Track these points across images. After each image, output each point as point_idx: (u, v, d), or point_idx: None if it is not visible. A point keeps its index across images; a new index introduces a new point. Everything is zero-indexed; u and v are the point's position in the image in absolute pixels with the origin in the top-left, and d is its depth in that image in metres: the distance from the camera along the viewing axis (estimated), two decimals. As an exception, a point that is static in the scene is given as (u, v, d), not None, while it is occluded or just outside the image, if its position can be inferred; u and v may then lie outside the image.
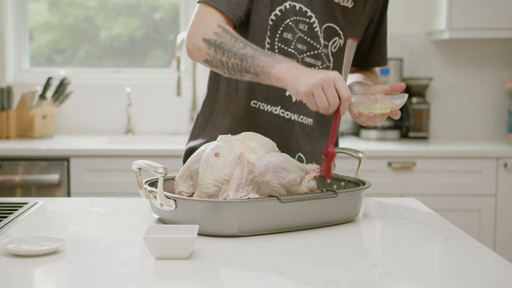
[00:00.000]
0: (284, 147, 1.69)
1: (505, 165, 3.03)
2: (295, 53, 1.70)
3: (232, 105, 1.75)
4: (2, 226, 1.42)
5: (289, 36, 1.70)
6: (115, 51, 3.83)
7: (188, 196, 1.45)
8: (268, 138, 1.50)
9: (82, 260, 1.17)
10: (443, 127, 3.68)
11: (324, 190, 1.45)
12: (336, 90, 1.42)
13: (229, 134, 1.50)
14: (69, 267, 1.14)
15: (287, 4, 1.68)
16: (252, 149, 1.43)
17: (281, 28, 1.69)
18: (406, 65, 3.63)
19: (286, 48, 1.70)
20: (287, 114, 1.73)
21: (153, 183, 1.50)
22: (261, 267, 1.15)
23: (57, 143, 3.23)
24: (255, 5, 1.68)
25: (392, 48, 3.62)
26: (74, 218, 1.52)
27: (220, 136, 1.50)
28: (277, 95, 1.71)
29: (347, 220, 1.46)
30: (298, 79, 1.45)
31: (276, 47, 1.69)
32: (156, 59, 3.85)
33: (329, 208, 1.41)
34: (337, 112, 1.44)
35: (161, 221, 1.44)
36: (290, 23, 1.69)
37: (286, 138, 1.72)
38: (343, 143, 3.29)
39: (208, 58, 1.59)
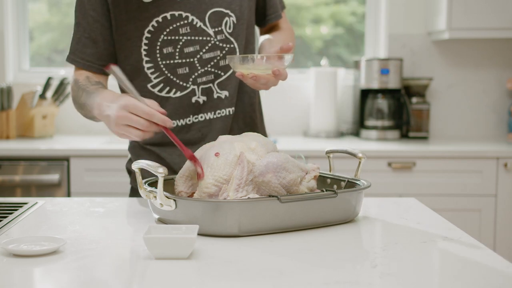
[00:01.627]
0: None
1: (505, 165, 3.03)
2: (186, 60, 1.70)
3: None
4: (2, 226, 1.42)
5: (170, 49, 1.70)
6: (115, 51, 3.83)
7: (188, 196, 1.45)
8: (268, 138, 1.50)
9: (82, 260, 1.17)
10: (443, 127, 3.68)
11: (324, 190, 1.45)
12: (141, 108, 1.40)
13: (228, 135, 1.50)
14: (69, 267, 1.14)
15: (154, 23, 1.68)
16: (252, 149, 1.43)
17: (158, 48, 1.69)
18: (406, 65, 3.63)
19: (172, 61, 1.70)
20: (201, 117, 1.74)
21: (153, 183, 1.50)
22: (261, 267, 1.15)
23: (57, 143, 3.23)
24: (119, 42, 1.70)
25: (392, 48, 3.63)
26: (74, 218, 1.52)
27: (220, 136, 1.50)
28: (182, 107, 1.73)
29: (347, 220, 1.46)
30: (105, 119, 1.50)
31: (162, 66, 1.70)
32: (156, 59, 3.85)
33: (329, 208, 1.41)
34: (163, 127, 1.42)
35: (161, 221, 1.44)
36: (166, 36, 1.69)
37: (209, 137, 1.74)
38: (343, 143, 3.29)
39: (84, 115, 1.70)
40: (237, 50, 1.76)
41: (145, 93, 1.71)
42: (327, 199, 1.40)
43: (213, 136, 1.72)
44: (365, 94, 3.51)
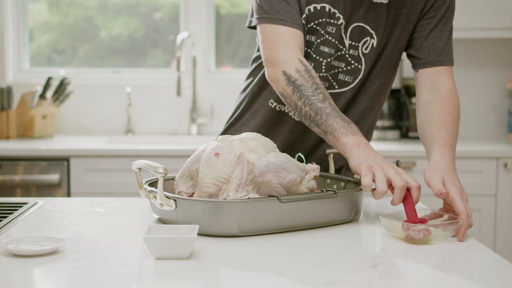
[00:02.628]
0: (290, 147, 1.76)
1: (505, 165, 3.03)
2: (317, 57, 1.67)
3: (256, 103, 1.80)
4: (2, 226, 1.42)
5: (313, 38, 1.66)
6: (115, 51, 3.83)
7: (188, 196, 1.45)
8: (268, 138, 1.50)
9: (82, 260, 1.17)
10: (443, 127, 3.68)
11: (324, 190, 1.45)
12: (400, 175, 1.37)
13: (229, 135, 1.50)
14: (69, 267, 1.14)
15: (311, 7, 1.64)
16: (252, 149, 1.43)
17: (306, 30, 1.65)
18: (406, 65, 3.63)
19: (307, 50, 1.67)
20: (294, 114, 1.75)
21: (153, 183, 1.50)
22: (261, 267, 1.15)
23: (57, 143, 3.23)
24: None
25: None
26: (74, 218, 1.52)
27: (220, 136, 1.50)
28: None
29: (347, 220, 1.46)
30: (360, 156, 1.42)
31: None
32: (156, 59, 3.85)
33: (329, 208, 1.41)
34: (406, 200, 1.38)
35: (161, 221, 1.44)
36: (315, 25, 1.65)
37: (294, 139, 1.76)
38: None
39: (284, 94, 1.57)
40: (362, 72, 1.70)
41: None
42: (327, 199, 1.40)
43: (300, 143, 1.76)
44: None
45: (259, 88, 1.79)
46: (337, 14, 1.64)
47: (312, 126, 1.53)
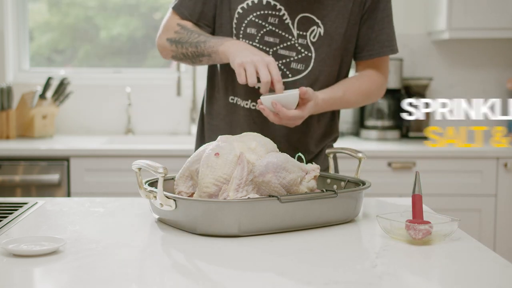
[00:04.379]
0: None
1: (505, 165, 3.03)
2: (263, 47, 1.76)
3: (216, 105, 1.86)
4: (2, 226, 1.42)
5: (253, 31, 1.76)
6: (115, 51, 3.83)
7: (188, 196, 1.45)
8: (268, 138, 1.50)
9: (82, 260, 1.17)
10: (443, 127, 3.68)
11: (324, 190, 1.45)
12: (269, 71, 1.58)
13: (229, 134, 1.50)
14: (69, 267, 1.14)
15: (249, 2, 1.75)
16: (252, 149, 1.43)
17: (244, 25, 1.76)
18: (406, 65, 3.63)
19: (251, 43, 1.76)
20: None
21: (153, 183, 1.50)
22: (261, 267, 1.15)
23: (57, 143, 3.23)
24: (220, 9, 1.79)
25: (392, 48, 3.62)
26: (74, 218, 1.52)
27: (220, 136, 1.50)
28: (247, 89, 1.78)
29: (347, 220, 1.46)
30: (239, 53, 1.62)
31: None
32: (156, 59, 3.85)
33: (329, 208, 1.41)
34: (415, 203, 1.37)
35: (161, 221, 1.44)
36: (254, 18, 1.75)
37: (261, 129, 1.77)
38: (343, 143, 3.29)
39: (173, 54, 1.80)
40: (313, 60, 1.77)
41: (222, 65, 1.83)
42: (327, 199, 1.40)
43: (270, 131, 1.78)
44: (365, 94, 3.51)
45: (213, 90, 1.88)
46: (278, 6, 1.75)
47: (201, 59, 1.75)
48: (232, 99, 1.81)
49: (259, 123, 1.78)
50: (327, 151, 1.69)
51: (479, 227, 3.05)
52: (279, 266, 1.15)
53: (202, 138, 1.92)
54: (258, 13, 1.75)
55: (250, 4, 1.75)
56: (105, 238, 1.33)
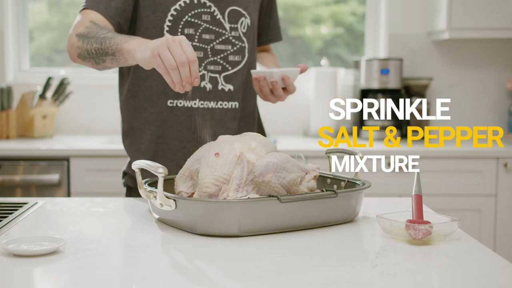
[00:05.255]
0: (211, 135, 1.77)
1: (505, 165, 3.03)
2: (202, 45, 1.79)
3: (149, 112, 1.81)
4: (2, 226, 1.42)
5: (191, 31, 1.78)
6: (115, 51, 3.83)
7: (188, 196, 1.45)
8: (268, 138, 1.50)
9: (82, 260, 1.17)
10: (443, 127, 3.68)
11: (324, 190, 1.45)
12: (183, 50, 1.41)
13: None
14: (69, 267, 1.14)
15: (181, 3, 1.76)
16: (252, 149, 1.43)
17: (180, 26, 1.77)
18: (406, 65, 3.63)
19: (190, 42, 1.73)
20: (206, 104, 1.80)
21: (153, 183, 1.50)
22: (261, 267, 1.15)
23: (57, 143, 3.23)
24: (141, 12, 1.75)
25: (392, 48, 3.62)
26: (74, 218, 1.52)
27: (220, 136, 1.50)
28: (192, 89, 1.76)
29: (347, 220, 1.46)
30: (146, 46, 1.46)
31: None
32: (156, 59, 3.84)
33: (329, 208, 1.41)
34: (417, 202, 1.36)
35: (161, 221, 1.44)
36: (190, 18, 1.77)
37: (211, 126, 1.79)
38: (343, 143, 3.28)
39: (79, 51, 1.65)
40: (247, 50, 1.86)
41: None
42: (327, 199, 1.40)
43: (212, 124, 1.79)
44: (365, 94, 3.51)
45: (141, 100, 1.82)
46: (208, 3, 1.79)
47: (105, 59, 1.59)
48: (171, 102, 1.79)
49: (207, 120, 1.79)
50: (327, 150, 1.69)
51: (479, 227, 3.05)
52: (279, 266, 1.15)
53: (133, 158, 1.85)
54: (193, 12, 1.78)
55: (183, 5, 1.77)
56: (105, 238, 1.33)
